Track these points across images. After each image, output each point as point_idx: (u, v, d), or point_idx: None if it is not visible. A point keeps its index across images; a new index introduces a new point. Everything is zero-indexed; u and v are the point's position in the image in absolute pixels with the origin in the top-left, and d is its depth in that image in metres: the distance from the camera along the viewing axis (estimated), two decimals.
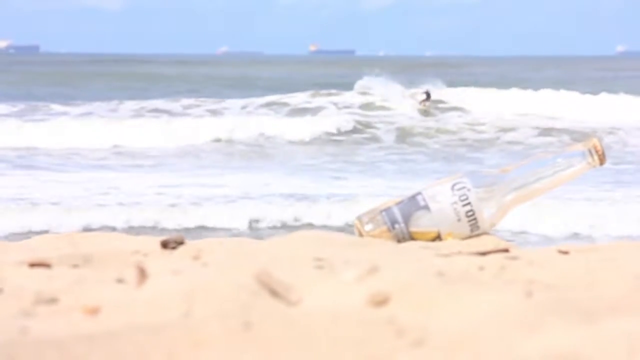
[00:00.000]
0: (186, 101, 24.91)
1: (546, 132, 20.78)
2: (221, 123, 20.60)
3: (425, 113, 24.97)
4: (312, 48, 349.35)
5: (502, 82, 29.19)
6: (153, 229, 10.43)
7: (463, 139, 20.18)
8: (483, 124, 21.32)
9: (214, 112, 23.47)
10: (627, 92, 25.40)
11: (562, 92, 25.60)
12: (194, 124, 20.40)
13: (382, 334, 1.23)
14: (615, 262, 1.79)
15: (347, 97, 25.45)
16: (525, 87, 26.30)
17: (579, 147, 2.48)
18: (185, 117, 22.19)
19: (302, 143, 19.51)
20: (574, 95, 25.42)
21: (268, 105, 24.72)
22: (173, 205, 11.36)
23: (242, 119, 21.45)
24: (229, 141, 19.37)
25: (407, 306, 1.35)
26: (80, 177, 14.30)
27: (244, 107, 24.52)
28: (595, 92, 25.32)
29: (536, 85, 26.86)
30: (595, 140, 2.47)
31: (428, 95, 27.71)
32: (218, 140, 19.39)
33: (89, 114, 23.24)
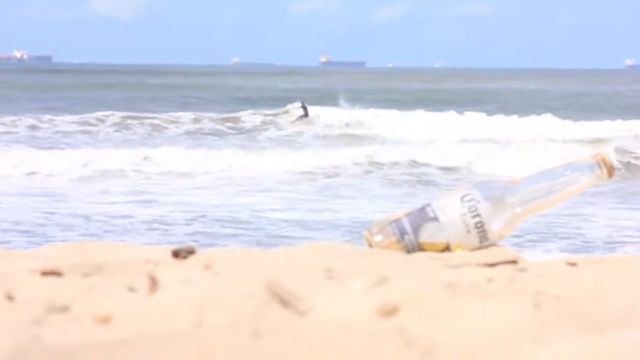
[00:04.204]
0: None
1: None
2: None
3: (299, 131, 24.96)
4: (323, 59, 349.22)
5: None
6: None
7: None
8: None
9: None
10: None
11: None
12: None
13: (392, 344, 1.23)
14: (623, 274, 1.80)
15: None
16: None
17: (588, 159, 2.48)
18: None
19: None
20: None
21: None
22: None
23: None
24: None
25: (416, 317, 1.35)
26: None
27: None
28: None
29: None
30: (603, 153, 2.47)
31: (305, 109, 26.47)
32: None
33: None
